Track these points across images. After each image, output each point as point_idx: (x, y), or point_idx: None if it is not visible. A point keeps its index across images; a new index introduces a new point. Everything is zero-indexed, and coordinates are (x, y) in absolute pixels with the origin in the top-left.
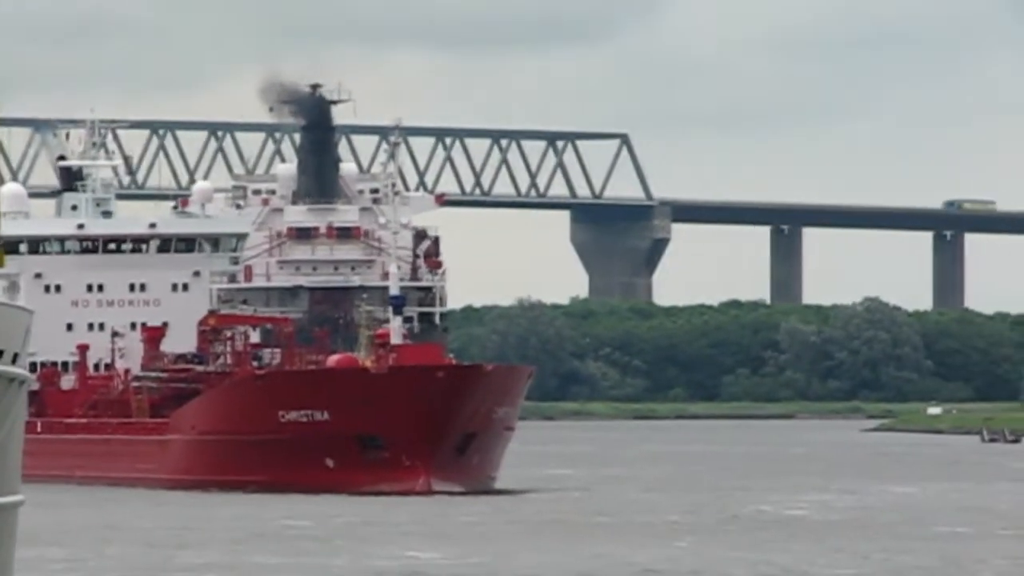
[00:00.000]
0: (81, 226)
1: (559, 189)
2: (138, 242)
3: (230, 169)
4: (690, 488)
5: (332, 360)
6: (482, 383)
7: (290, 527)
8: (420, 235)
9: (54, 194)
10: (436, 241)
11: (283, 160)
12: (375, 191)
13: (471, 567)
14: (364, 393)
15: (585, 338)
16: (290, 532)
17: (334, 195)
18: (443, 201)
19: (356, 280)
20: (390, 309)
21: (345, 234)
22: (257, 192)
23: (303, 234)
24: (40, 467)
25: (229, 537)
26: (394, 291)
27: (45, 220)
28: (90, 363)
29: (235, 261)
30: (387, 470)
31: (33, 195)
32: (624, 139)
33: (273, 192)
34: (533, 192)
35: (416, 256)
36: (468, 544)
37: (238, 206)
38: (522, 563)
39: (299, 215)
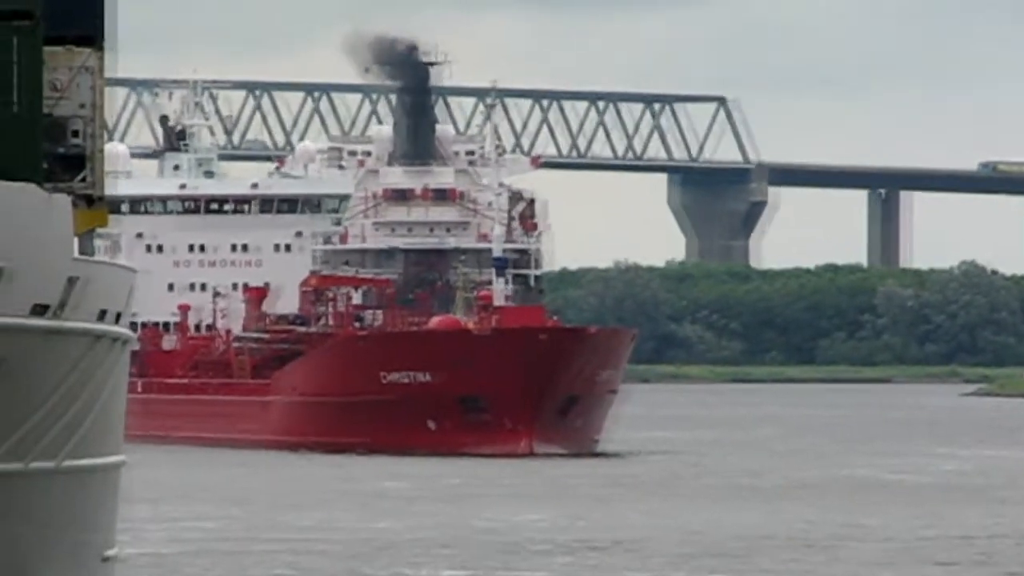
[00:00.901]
0: (183, 186)
1: (656, 152)
2: (240, 202)
3: (326, 130)
4: (788, 451)
5: (434, 322)
6: (585, 345)
7: (389, 489)
8: (516, 197)
9: (155, 154)
10: (532, 203)
11: (380, 122)
12: (471, 153)
13: (573, 529)
14: (467, 355)
15: (682, 301)
16: (390, 494)
17: (430, 157)
18: (539, 163)
19: (452, 242)
20: (492, 270)
21: (441, 196)
22: (353, 154)
23: (399, 196)
24: (141, 428)
25: (329, 498)
26: (497, 253)
27: (147, 180)
28: (192, 323)
29: (337, 222)
30: (489, 432)
31: (132, 155)
32: (722, 102)
33: (369, 154)
34: (630, 155)
35: (511, 218)
36: (570, 506)
37: (340, 167)
38: (624, 525)
39: (395, 177)
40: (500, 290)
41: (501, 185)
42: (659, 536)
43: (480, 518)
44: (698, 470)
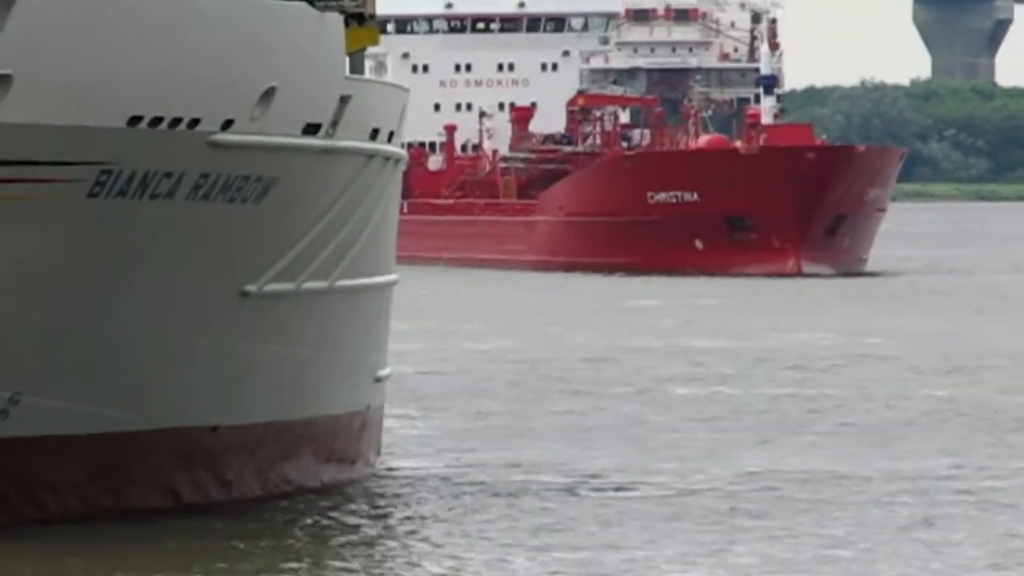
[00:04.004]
0: (449, 5)
1: None
2: (508, 21)
3: None
4: None
5: (702, 141)
6: (853, 164)
7: (640, 307)
8: (757, 16)
9: None
10: (773, 22)
11: None
12: None
13: (841, 345)
14: (734, 174)
15: (928, 119)
16: (645, 310)
17: None
18: None
19: (693, 61)
20: (760, 89)
21: (683, 15)
22: None
23: (641, 15)
24: (406, 248)
25: (593, 317)
26: (765, 70)
27: None
28: (457, 144)
29: (604, 41)
30: (756, 251)
31: None
32: None
33: None
34: None
35: (753, 38)
36: (839, 322)
37: None
38: (886, 338)
39: None
40: (768, 108)
41: (743, 5)
42: (917, 352)
43: (740, 334)
44: (967, 287)
